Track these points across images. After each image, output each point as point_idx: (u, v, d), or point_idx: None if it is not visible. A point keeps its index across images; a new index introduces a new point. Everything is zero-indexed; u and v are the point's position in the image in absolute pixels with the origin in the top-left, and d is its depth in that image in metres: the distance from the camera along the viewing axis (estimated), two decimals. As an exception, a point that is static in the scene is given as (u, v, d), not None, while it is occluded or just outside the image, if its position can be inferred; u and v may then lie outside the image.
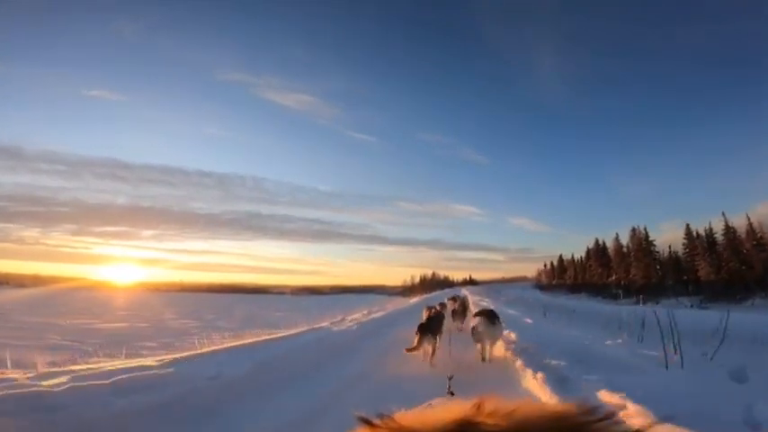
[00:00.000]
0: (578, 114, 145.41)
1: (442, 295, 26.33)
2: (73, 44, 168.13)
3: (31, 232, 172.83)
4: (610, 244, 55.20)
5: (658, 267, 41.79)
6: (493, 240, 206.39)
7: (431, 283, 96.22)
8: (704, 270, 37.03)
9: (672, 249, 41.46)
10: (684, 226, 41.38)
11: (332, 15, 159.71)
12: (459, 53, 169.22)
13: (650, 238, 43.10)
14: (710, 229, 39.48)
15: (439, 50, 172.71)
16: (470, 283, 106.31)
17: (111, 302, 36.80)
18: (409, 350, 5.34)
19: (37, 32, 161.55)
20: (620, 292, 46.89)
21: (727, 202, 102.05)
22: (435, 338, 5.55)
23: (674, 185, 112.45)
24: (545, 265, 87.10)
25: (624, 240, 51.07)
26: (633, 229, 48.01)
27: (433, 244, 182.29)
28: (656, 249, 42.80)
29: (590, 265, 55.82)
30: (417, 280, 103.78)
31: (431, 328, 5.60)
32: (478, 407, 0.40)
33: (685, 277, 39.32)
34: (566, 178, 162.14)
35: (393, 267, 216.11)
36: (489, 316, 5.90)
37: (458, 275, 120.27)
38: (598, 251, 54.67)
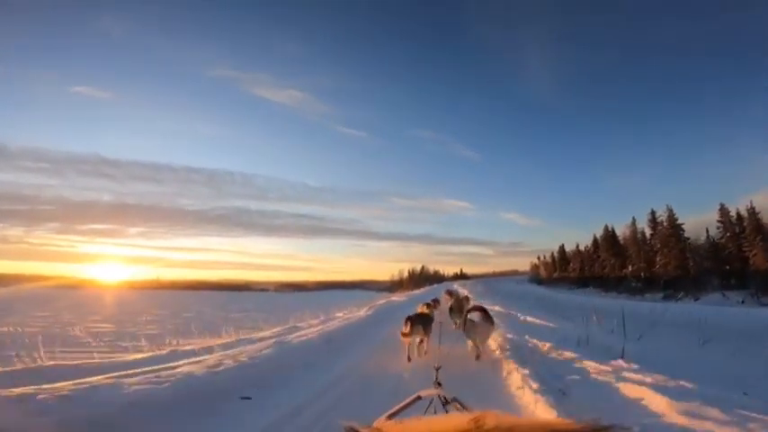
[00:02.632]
0: (568, 109, 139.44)
1: (428, 294, 21.67)
2: (58, 41, 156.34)
3: (15, 231, 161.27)
4: (619, 232, 47.45)
5: (690, 256, 33.72)
6: (483, 235, 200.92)
7: (420, 278, 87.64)
8: (759, 257, 29.00)
9: (709, 234, 33.41)
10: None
11: (322, 11, 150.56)
12: (450, 49, 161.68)
13: (679, 222, 34.85)
14: (753, 209, 31.76)
15: (430, 47, 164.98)
16: (462, 277, 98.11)
17: (52, 302, 30.70)
18: (404, 334, 5.17)
19: (21, 30, 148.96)
20: (641, 285, 38.99)
21: (719, 194, 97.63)
22: (424, 331, 5.32)
23: (664, 178, 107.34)
24: (539, 258, 79.67)
25: (640, 226, 43.28)
26: (653, 213, 39.97)
27: (424, 239, 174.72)
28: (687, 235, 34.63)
29: (598, 256, 47.79)
30: (406, 274, 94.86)
31: (420, 321, 5.39)
32: (477, 421, 0.35)
33: (728, 267, 31.33)
34: (555, 173, 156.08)
35: (384, 263, 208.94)
36: (485, 312, 5.59)
37: (449, 270, 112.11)
38: (608, 240, 46.65)
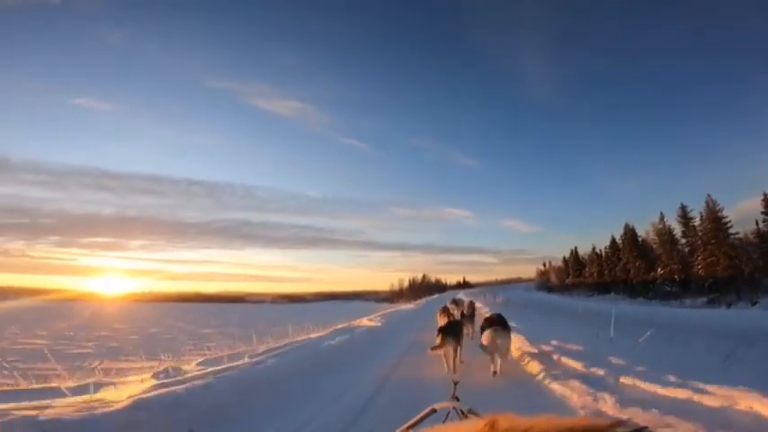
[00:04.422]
0: (566, 115, 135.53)
1: (421, 311, 18.66)
2: (57, 52, 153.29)
3: (17, 244, 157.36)
4: (640, 232, 42.12)
5: (742, 254, 28.17)
6: (485, 243, 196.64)
7: (421, 287, 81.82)
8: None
9: (759, 227, 27.85)
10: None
11: (321, 21, 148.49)
12: (448, 57, 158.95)
13: (723, 217, 29.31)
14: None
15: (427, 55, 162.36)
16: (465, 285, 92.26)
17: (15, 316, 29.80)
18: (433, 349, 5.01)
19: (20, 41, 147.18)
20: (676, 289, 33.39)
21: (721, 195, 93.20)
22: (457, 342, 5.21)
23: (662, 183, 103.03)
24: (545, 265, 74.51)
25: (668, 223, 37.89)
26: (683, 208, 34.63)
27: (425, 248, 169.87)
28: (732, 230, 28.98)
29: (619, 258, 42.26)
30: (406, 284, 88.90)
31: (451, 331, 5.21)
32: (492, 424, 0.34)
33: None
34: (554, 179, 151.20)
35: (387, 273, 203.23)
36: (502, 324, 5.15)
37: (451, 278, 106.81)
38: (630, 240, 41.19)
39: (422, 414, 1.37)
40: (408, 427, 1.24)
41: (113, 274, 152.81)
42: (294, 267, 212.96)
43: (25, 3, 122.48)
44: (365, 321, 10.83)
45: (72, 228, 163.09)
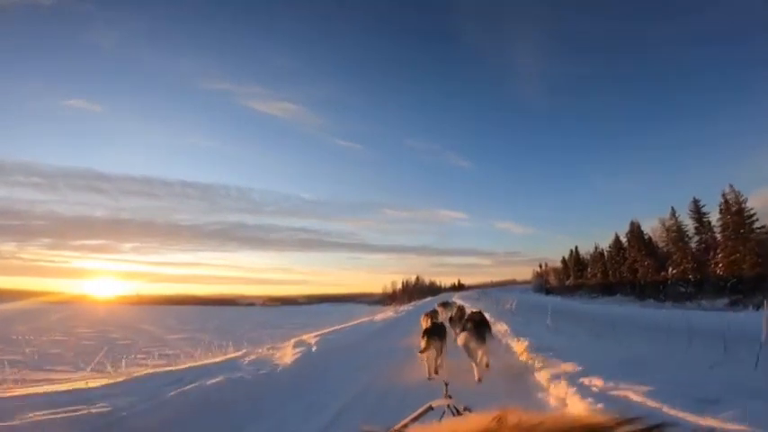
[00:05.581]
0: (560, 115, 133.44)
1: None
2: (50, 54, 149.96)
3: (8, 246, 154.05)
4: (646, 229, 39.29)
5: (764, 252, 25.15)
6: (480, 245, 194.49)
7: (415, 290, 78.50)
8: None
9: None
10: None
11: (315, 23, 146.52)
12: (442, 57, 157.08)
13: (747, 209, 26.27)
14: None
15: (422, 55, 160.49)
16: (460, 288, 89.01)
17: None
18: (421, 352, 5.05)
19: (11, 42, 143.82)
20: (692, 289, 30.40)
21: (712, 194, 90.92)
22: (441, 344, 5.20)
23: (658, 181, 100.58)
24: (541, 266, 71.75)
25: (669, 222, 35.07)
26: (695, 202, 31.78)
27: (420, 250, 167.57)
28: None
29: (625, 258, 39.30)
30: (399, 286, 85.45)
31: (435, 333, 5.22)
32: (500, 419, 0.33)
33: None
34: (549, 180, 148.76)
35: (382, 275, 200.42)
36: (480, 325, 5.05)
37: (446, 281, 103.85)
38: (637, 238, 38.27)
39: (418, 411, 1.36)
40: (405, 424, 1.19)
41: (106, 277, 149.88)
42: (289, 269, 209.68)
43: (16, 3, 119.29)
44: (307, 337, 6.99)
45: (64, 230, 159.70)
